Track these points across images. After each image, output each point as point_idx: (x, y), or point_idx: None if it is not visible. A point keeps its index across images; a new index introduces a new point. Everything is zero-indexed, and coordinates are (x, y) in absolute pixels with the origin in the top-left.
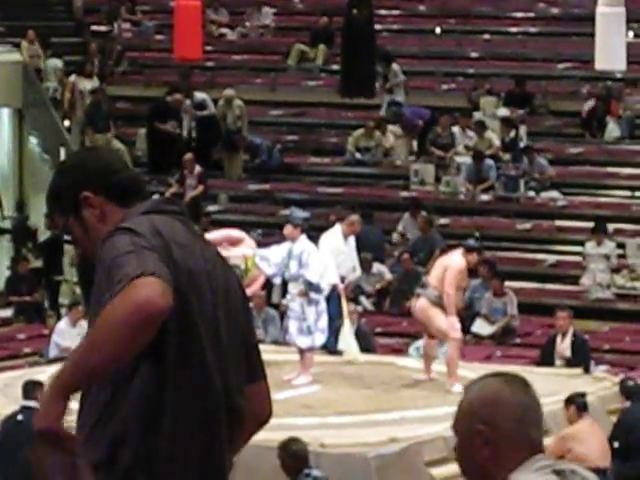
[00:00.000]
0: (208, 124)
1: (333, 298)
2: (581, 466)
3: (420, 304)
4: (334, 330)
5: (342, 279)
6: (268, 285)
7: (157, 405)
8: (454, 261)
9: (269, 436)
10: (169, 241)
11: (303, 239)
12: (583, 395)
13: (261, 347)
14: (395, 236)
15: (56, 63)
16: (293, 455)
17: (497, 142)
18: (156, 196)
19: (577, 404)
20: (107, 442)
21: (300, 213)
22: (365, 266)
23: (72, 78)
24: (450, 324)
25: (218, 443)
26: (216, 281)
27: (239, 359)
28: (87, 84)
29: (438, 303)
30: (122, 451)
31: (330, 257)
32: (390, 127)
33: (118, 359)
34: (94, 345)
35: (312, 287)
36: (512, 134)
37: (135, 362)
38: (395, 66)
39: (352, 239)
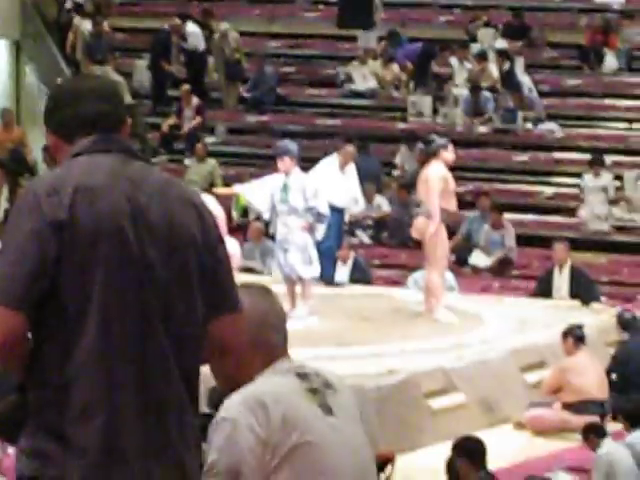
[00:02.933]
0: (195, 60)
1: (334, 227)
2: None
3: (417, 222)
4: (333, 261)
5: (342, 210)
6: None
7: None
8: (430, 171)
9: None
10: (73, 191)
11: (298, 171)
12: (580, 327)
13: (259, 279)
14: (395, 170)
15: None
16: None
17: (495, 74)
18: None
19: (575, 336)
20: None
21: (293, 145)
22: (368, 197)
23: (76, 20)
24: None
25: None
26: (149, 217)
27: (190, 293)
28: (87, 25)
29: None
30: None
31: (322, 185)
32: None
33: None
34: None
35: (320, 218)
36: (507, 66)
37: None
38: None
39: (352, 170)
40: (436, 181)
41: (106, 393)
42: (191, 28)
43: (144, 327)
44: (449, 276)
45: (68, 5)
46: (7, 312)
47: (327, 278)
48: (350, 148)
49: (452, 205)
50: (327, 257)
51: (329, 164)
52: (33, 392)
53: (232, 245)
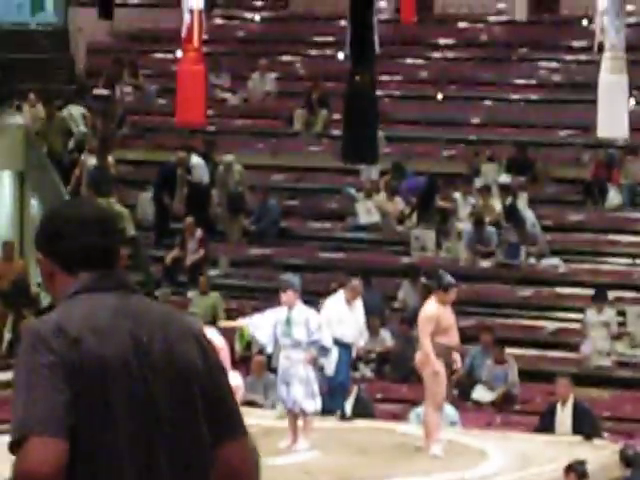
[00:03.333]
0: (199, 192)
1: (344, 362)
2: None
3: (418, 357)
4: (344, 395)
5: (350, 345)
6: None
7: None
8: (423, 310)
9: None
10: (78, 333)
11: (301, 305)
12: (583, 463)
13: (261, 413)
14: (397, 303)
15: (79, 109)
16: None
17: (499, 209)
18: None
19: (577, 472)
20: None
21: (296, 279)
22: (372, 331)
23: (83, 156)
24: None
25: None
26: (152, 353)
27: (196, 423)
28: (92, 159)
29: (437, 352)
30: None
31: (326, 323)
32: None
33: None
34: None
35: (324, 352)
36: (511, 201)
37: None
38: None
39: (359, 305)
40: (425, 321)
41: None
42: (196, 161)
43: (152, 468)
44: (451, 410)
45: (72, 144)
46: (51, 440)
47: (340, 412)
48: (356, 283)
49: (454, 339)
50: (338, 392)
51: (337, 301)
52: None
53: (235, 379)
